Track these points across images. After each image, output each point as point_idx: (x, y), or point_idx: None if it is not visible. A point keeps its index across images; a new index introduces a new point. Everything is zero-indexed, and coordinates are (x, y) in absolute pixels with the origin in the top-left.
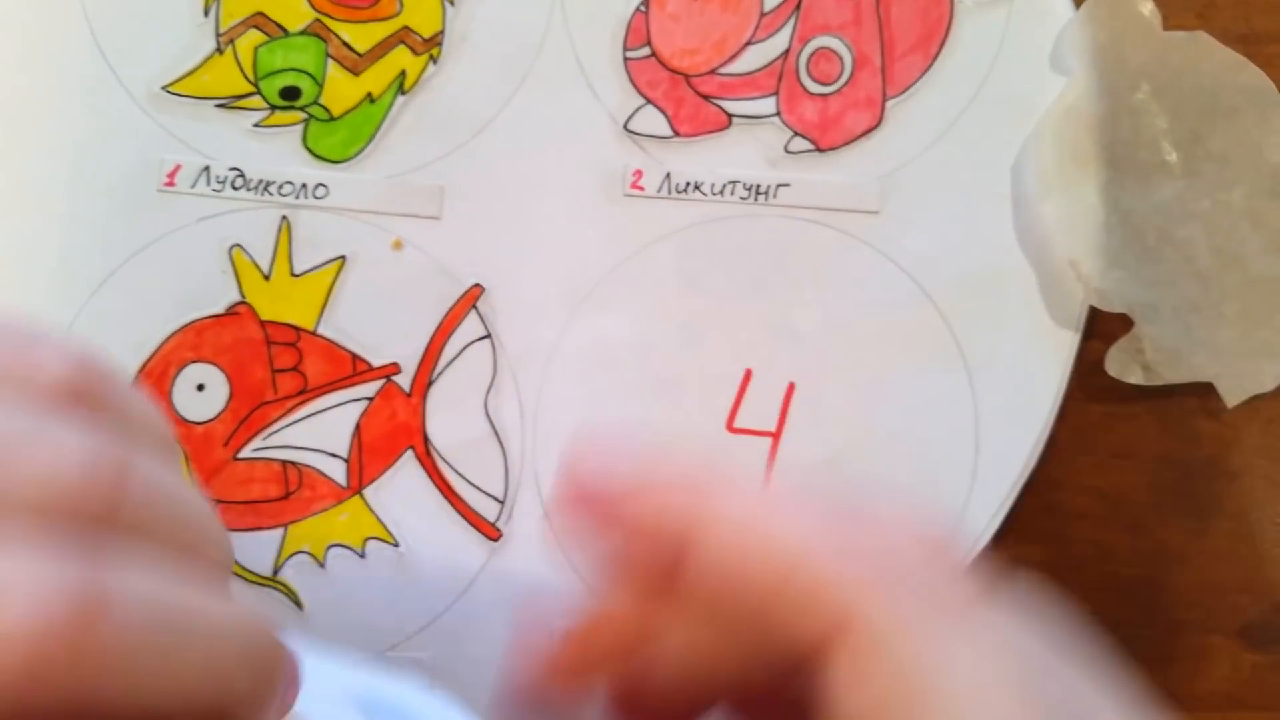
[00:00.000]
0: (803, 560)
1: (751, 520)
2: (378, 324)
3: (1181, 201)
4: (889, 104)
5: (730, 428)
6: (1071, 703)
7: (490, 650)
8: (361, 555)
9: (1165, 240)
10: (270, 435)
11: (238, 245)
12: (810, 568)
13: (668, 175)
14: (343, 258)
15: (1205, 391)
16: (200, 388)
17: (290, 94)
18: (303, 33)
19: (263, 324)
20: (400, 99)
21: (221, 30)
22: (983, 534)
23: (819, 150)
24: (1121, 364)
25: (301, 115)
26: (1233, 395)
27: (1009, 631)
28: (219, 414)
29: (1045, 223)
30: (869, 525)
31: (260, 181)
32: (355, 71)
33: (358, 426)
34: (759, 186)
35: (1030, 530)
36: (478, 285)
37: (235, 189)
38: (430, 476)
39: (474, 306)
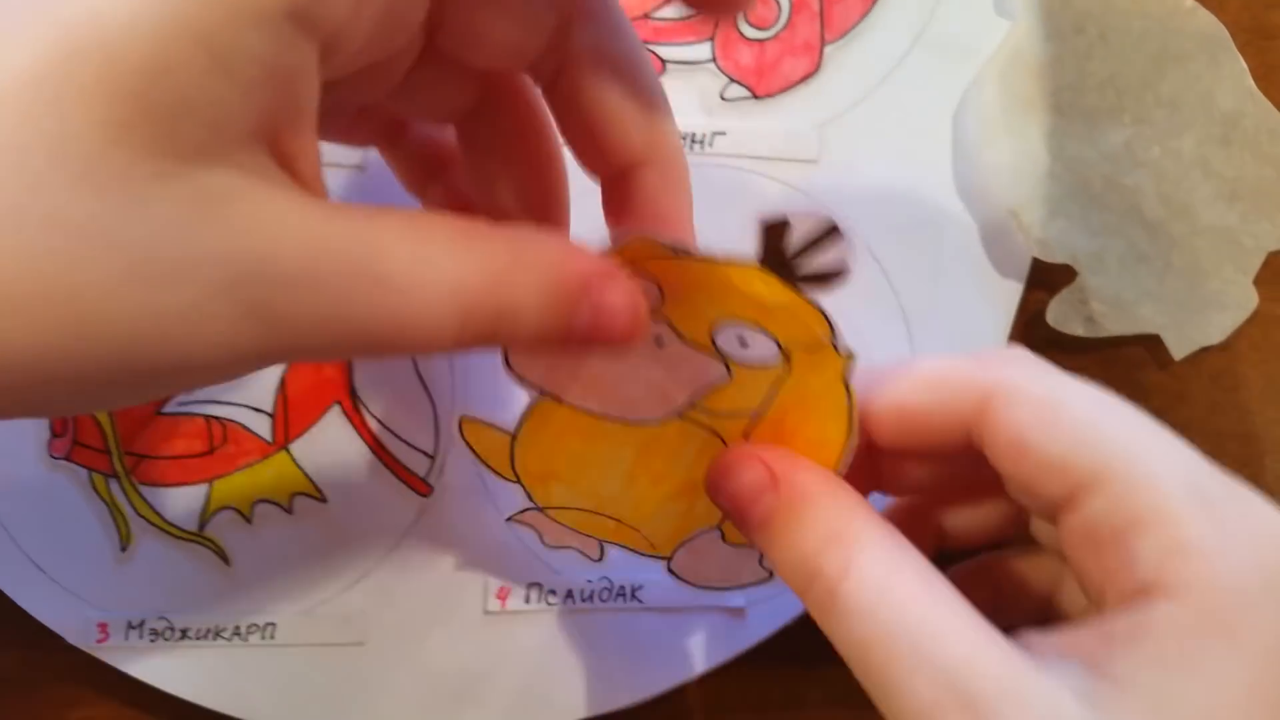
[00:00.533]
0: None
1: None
2: None
3: (1130, 149)
4: (827, 49)
5: None
6: None
7: (422, 604)
8: (289, 511)
9: (1112, 188)
10: (194, 390)
11: None
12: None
13: None
14: None
15: (1154, 343)
16: None
17: None
18: None
19: None
20: None
21: None
22: None
23: (756, 97)
24: (1063, 315)
25: None
26: (1180, 348)
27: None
28: None
29: (987, 170)
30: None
31: None
32: None
33: (283, 381)
34: (695, 135)
35: None
36: None
37: None
38: (358, 431)
39: None
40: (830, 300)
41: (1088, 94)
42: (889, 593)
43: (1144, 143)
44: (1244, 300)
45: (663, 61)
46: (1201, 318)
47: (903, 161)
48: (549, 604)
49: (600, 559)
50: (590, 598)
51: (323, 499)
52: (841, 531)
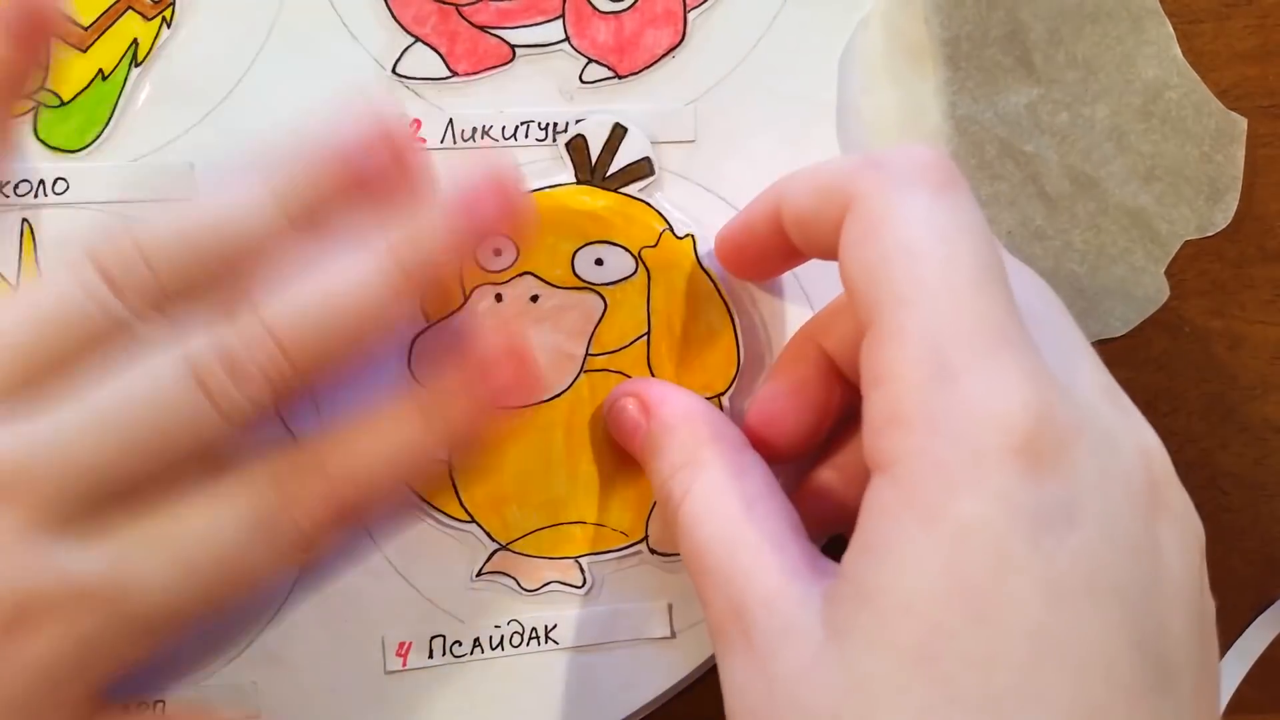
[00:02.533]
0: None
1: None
2: None
3: (1033, 112)
4: (691, 15)
5: None
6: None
7: (316, 670)
8: None
9: (1008, 154)
10: None
11: None
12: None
13: (450, 121)
14: None
15: None
16: None
17: None
18: None
19: None
20: (135, 72)
21: None
22: None
23: (619, 77)
24: None
25: (29, 104)
26: None
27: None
28: None
29: (865, 125)
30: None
31: None
32: (82, 48)
33: None
34: (556, 125)
35: None
36: None
37: None
38: None
39: None
40: (732, 291)
41: (989, 46)
42: (710, 512)
43: (1051, 106)
44: (1153, 292)
45: (511, 48)
46: (1102, 307)
47: (790, 132)
48: (455, 656)
49: (584, 585)
50: (500, 645)
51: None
52: (690, 459)
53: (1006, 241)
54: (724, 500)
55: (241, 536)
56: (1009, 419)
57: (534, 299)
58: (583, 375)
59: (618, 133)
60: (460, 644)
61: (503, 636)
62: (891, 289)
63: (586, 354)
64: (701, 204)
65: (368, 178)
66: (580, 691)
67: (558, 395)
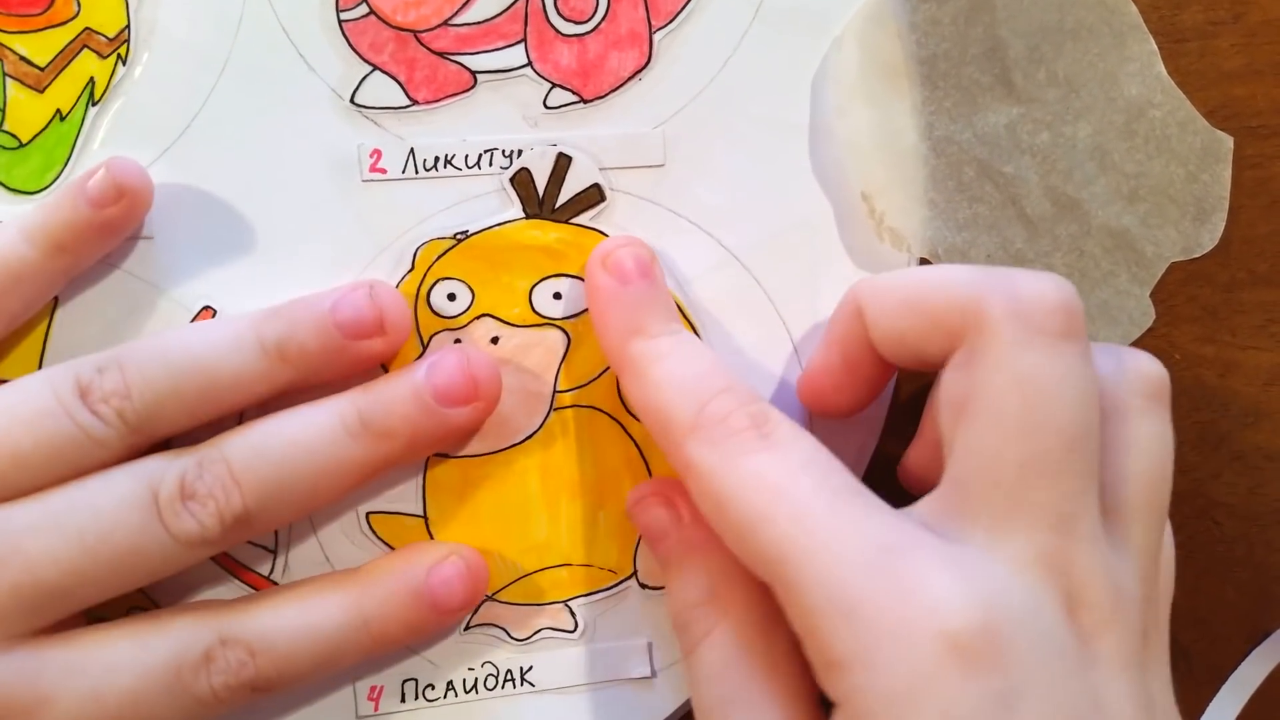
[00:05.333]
0: (667, 427)
1: (651, 384)
2: None
3: (1013, 132)
4: (657, 37)
5: None
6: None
7: (285, 710)
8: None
9: (987, 176)
10: None
11: None
12: (670, 434)
13: (411, 151)
14: (54, 298)
15: None
16: None
17: None
18: None
19: None
20: (92, 111)
21: None
22: None
23: (584, 101)
24: None
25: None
26: None
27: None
28: None
29: (839, 147)
30: (718, 401)
31: None
32: (39, 88)
33: None
34: (520, 153)
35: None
36: (207, 308)
37: None
38: None
39: None
40: (709, 324)
41: (967, 65)
42: (731, 670)
43: (1031, 126)
44: (1139, 316)
45: (472, 74)
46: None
47: (761, 155)
48: (429, 700)
49: (576, 629)
50: (475, 688)
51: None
52: (717, 597)
53: (985, 265)
54: (744, 661)
55: (156, 685)
56: (932, 629)
57: (494, 340)
58: (553, 413)
59: (562, 162)
60: (433, 688)
61: (476, 680)
62: (783, 550)
63: (555, 391)
64: (671, 228)
65: (355, 353)
66: None
67: (529, 437)
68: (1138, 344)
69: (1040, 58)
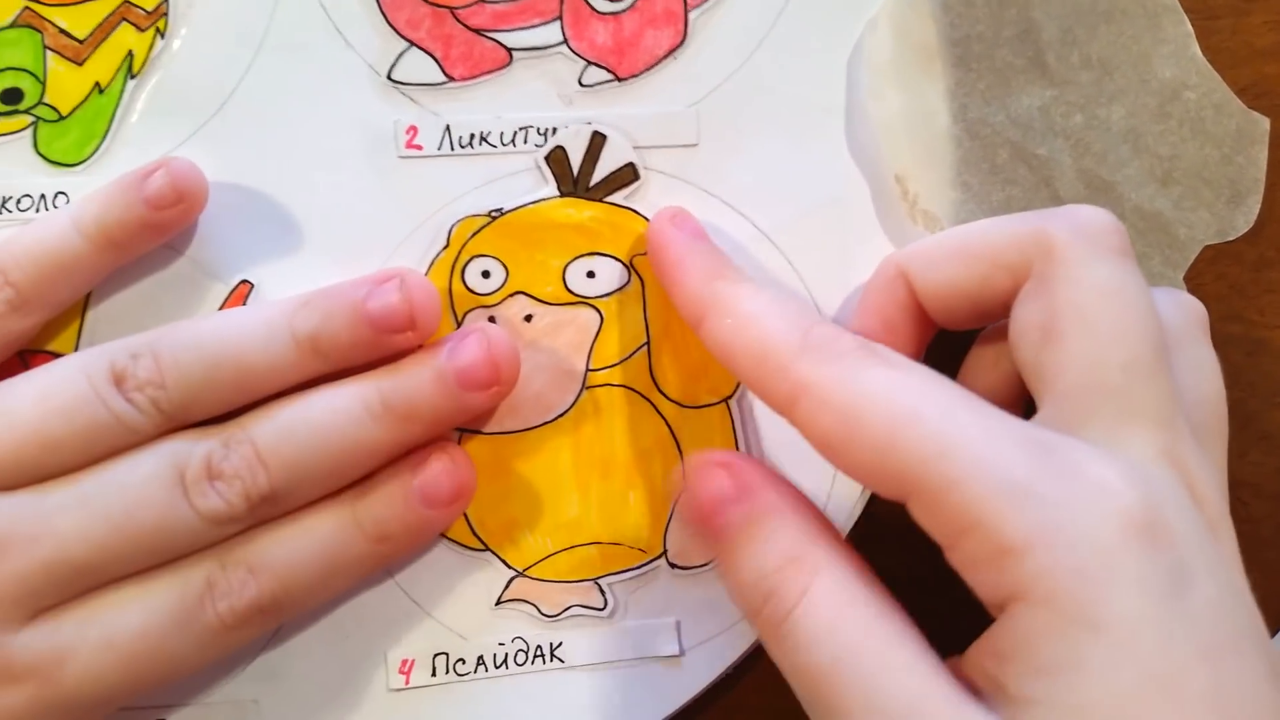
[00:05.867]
0: (771, 354)
1: (744, 317)
2: None
3: (1046, 115)
4: (692, 15)
5: None
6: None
7: (318, 687)
8: None
9: (1020, 158)
10: None
11: None
12: (775, 359)
13: (447, 128)
14: None
15: None
16: None
17: (11, 96)
18: (13, 25)
19: (22, 355)
20: (131, 84)
21: None
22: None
23: (619, 80)
24: None
25: (28, 119)
26: None
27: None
28: None
29: (873, 129)
30: (820, 328)
31: None
32: (78, 61)
33: None
34: (555, 130)
35: None
36: (245, 282)
37: None
38: None
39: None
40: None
41: (1000, 47)
42: (842, 624)
43: (1065, 108)
44: None
45: (508, 51)
46: None
47: (794, 134)
48: (459, 675)
49: (605, 608)
50: (505, 663)
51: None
52: (803, 555)
53: None
54: (856, 609)
55: (164, 620)
56: (1109, 505)
57: (528, 319)
58: (585, 392)
59: (597, 141)
60: (464, 662)
61: (506, 655)
62: (916, 457)
63: (587, 370)
64: (703, 208)
65: (385, 345)
66: (585, 712)
67: (561, 415)
68: None
69: (1074, 40)
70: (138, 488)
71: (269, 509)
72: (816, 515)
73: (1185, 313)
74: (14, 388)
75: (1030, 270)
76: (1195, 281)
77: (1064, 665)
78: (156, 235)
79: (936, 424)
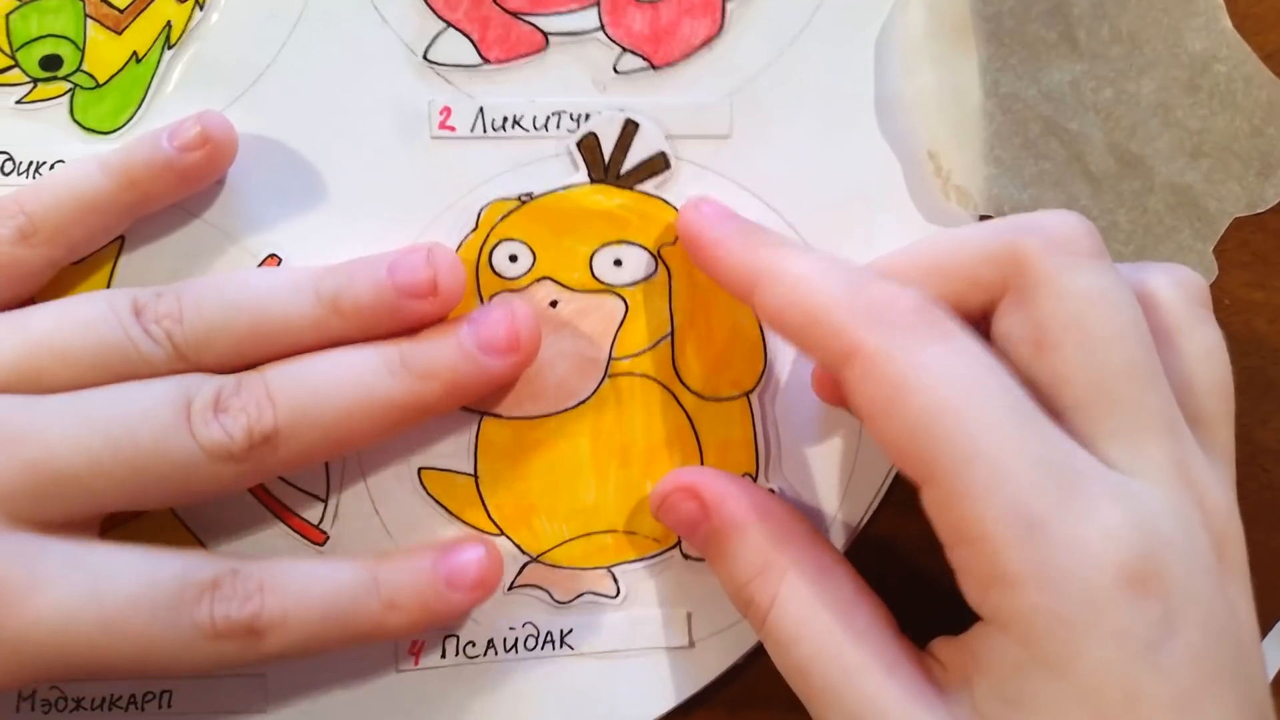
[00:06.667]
0: (825, 314)
1: (795, 280)
2: None
3: (1077, 89)
4: (729, 6)
5: None
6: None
7: (327, 665)
8: None
9: (1052, 133)
10: None
11: None
12: (830, 319)
13: (481, 110)
14: (121, 238)
15: None
16: None
17: (51, 63)
18: None
19: None
20: (168, 54)
21: None
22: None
23: (654, 68)
24: None
25: (66, 86)
26: None
27: (977, 346)
28: None
29: (905, 105)
30: (877, 287)
31: (31, 164)
32: (117, 30)
33: None
34: (588, 116)
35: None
36: (273, 255)
37: (5, 174)
38: None
39: None
40: None
41: (1031, 22)
42: (807, 629)
43: (1095, 83)
44: (1202, 271)
45: (544, 35)
46: None
47: (827, 126)
48: (468, 657)
49: (618, 596)
50: (514, 647)
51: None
52: (770, 562)
53: None
54: (818, 612)
55: (157, 599)
56: (1108, 557)
57: (553, 304)
58: (607, 380)
59: (629, 129)
60: (474, 645)
61: (517, 639)
62: (946, 448)
63: (610, 358)
64: (733, 199)
65: (407, 311)
66: (594, 699)
67: (582, 402)
68: None
69: (1104, 14)
70: (142, 406)
71: (268, 452)
72: (784, 517)
73: (1185, 292)
74: (36, 309)
75: (1007, 285)
76: (1219, 249)
77: (1028, 704)
78: (180, 181)
79: (974, 426)
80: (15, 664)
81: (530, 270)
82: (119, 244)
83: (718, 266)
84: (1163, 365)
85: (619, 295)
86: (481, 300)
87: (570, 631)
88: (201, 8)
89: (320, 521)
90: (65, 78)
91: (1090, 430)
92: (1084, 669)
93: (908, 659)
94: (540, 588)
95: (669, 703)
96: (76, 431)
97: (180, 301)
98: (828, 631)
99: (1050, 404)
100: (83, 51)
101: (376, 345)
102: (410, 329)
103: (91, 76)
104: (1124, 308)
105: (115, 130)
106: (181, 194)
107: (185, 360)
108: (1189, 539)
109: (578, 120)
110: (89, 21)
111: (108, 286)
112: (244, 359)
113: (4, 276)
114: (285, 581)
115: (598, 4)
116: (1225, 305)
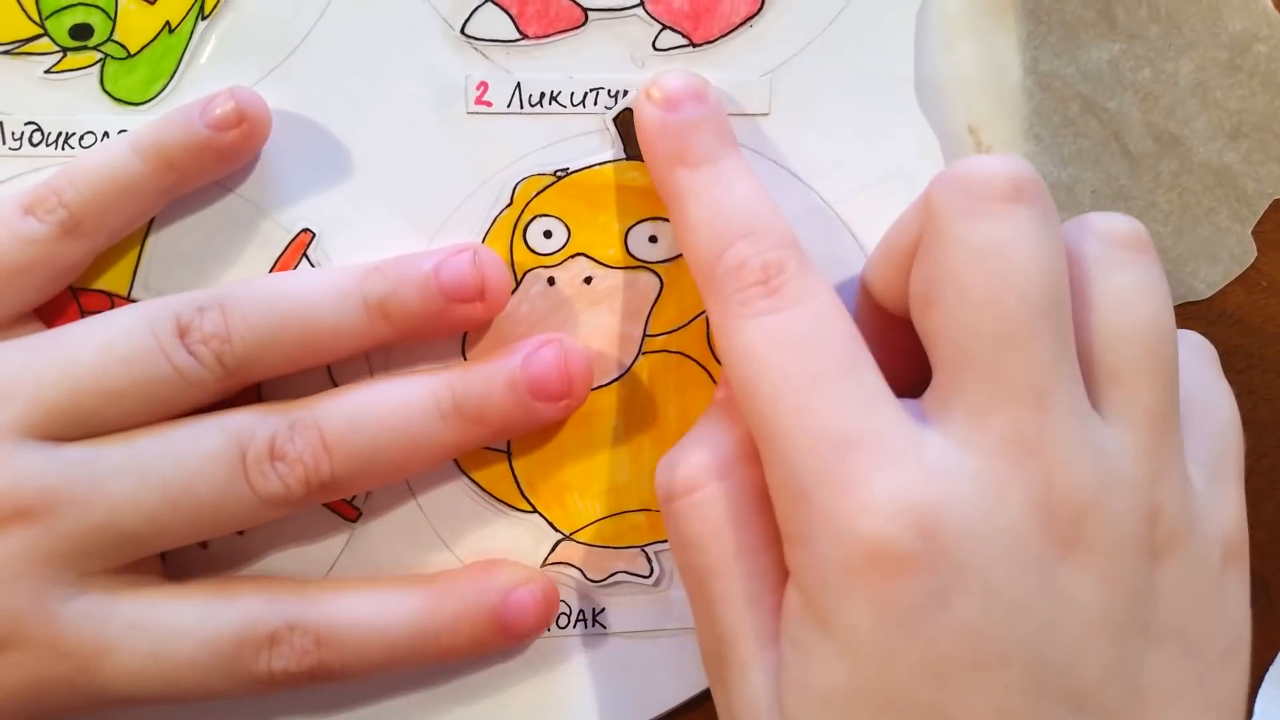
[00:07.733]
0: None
1: (686, 227)
2: (198, 283)
3: (1116, 67)
4: None
5: None
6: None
7: None
8: (204, 546)
9: (1090, 111)
10: None
11: None
12: (698, 273)
13: (518, 86)
14: None
15: None
16: None
17: (81, 32)
18: None
19: (74, 293)
20: (201, 25)
21: None
22: None
23: (693, 45)
24: None
25: (97, 55)
26: None
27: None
28: None
29: (945, 81)
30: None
31: (60, 134)
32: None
33: None
34: (626, 93)
35: None
36: (307, 230)
37: (34, 145)
38: None
39: (304, 254)
40: None
41: (1069, 1)
42: (712, 523)
43: (1133, 62)
44: (1240, 253)
45: (584, 11)
46: (1187, 269)
47: (866, 106)
48: None
49: (651, 576)
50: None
51: (239, 531)
52: (721, 465)
53: (1091, 202)
54: (728, 524)
55: (217, 657)
56: (861, 545)
57: (588, 280)
58: (641, 357)
59: None
60: None
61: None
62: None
63: (644, 334)
64: (770, 178)
65: (454, 315)
66: (626, 679)
67: (617, 379)
68: None
69: None
70: (197, 462)
71: (326, 494)
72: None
73: (1105, 234)
74: (74, 334)
75: (923, 238)
76: (1255, 230)
77: (804, 647)
78: (216, 161)
79: (761, 405)
80: (90, 709)
81: (565, 246)
82: (148, 220)
83: (649, 169)
84: (1077, 320)
85: (654, 271)
86: (516, 276)
87: (603, 611)
88: None
89: (353, 498)
90: (96, 47)
91: (943, 395)
92: (841, 627)
93: (770, 592)
94: (573, 566)
95: (702, 684)
96: (136, 492)
97: (226, 318)
98: (726, 536)
99: (933, 365)
100: (114, 20)
101: (429, 382)
102: (456, 332)
103: (123, 46)
104: (1021, 263)
105: (147, 101)
106: (219, 174)
107: (234, 377)
108: (993, 517)
109: (615, 97)
110: None
111: (136, 264)
112: (293, 368)
113: (46, 271)
114: (343, 634)
115: None
116: (1263, 287)
